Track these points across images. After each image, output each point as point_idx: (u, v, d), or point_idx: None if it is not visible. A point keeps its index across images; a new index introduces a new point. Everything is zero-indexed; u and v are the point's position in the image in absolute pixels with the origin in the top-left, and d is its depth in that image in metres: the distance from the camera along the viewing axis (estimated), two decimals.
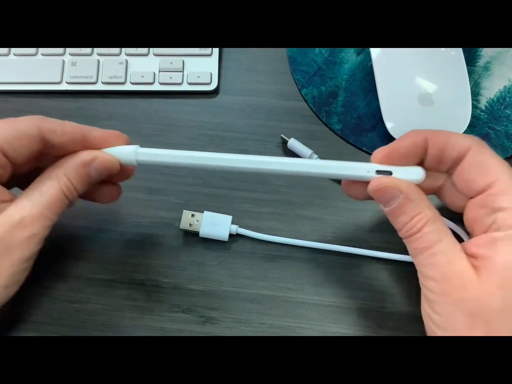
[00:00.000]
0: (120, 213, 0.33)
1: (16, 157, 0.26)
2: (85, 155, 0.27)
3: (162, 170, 0.34)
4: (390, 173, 0.25)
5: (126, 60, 0.37)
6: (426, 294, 0.24)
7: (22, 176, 0.28)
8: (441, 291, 0.23)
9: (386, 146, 0.25)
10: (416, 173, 0.25)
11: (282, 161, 0.25)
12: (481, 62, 0.36)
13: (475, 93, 0.35)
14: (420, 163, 0.26)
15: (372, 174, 0.25)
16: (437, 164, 0.26)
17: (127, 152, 0.27)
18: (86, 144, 0.27)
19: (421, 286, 0.25)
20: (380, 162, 0.25)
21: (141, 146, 0.36)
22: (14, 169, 0.26)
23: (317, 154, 0.34)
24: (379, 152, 0.25)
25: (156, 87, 0.36)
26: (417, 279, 0.32)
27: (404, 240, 0.25)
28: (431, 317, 0.24)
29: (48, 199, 0.26)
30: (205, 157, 0.26)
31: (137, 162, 0.27)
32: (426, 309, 0.25)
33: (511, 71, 0.36)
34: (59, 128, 0.26)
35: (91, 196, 0.29)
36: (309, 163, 0.26)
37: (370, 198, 0.26)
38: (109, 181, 0.29)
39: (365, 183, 0.25)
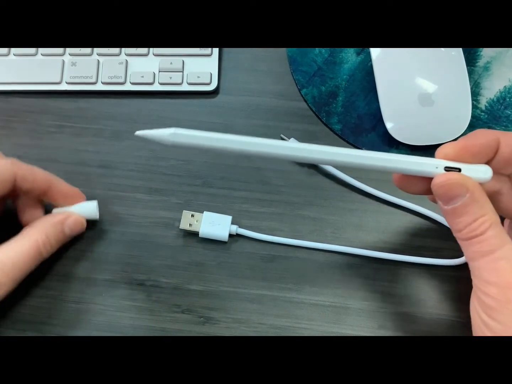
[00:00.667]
0: (120, 213, 0.33)
1: None
2: (60, 215, 0.30)
3: (162, 170, 0.34)
4: (458, 170, 0.24)
5: (126, 60, 0.37)
6: (483, 299, 0.23)
7: None
8: (504, 299, 0.22)
9: (455, 142, 0.24)
10: (484, 172, 0.24)
11: (345, 153, 0.24)
12: (481, 62, 0.36)
13: (475, 93, 0.35)
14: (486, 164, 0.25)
15: (441, 170, 0.24)
16: (504, 166, 0.25)
17: (162, 134, 0.24)
18: (50, 195, 0.30)
19: (477, 290, 0.24)
20: (448, 158, 0.24)
21: (141, 145, 0.37)
22: None
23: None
24: (449, 148, 0.24)
25: (156, 87, 0.36)
26: (416, 279, 0.32)
27: (461, 242, 0.24)
28: (487, 324, 0.23)
29: (24, 254, 0.28)
30: (254, 142, 0.24)
31: (172, 143, 0.24)
32: (481, 315, 0.23)
33: (511, 71, 0.36)
34: (30, 177, 0.29)
35: (21, 211, 0.32)
36: (377, 156, 0.24)
37: (425, 193, 0.25)
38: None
39: (425, 177, 0.24)
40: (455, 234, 0.24)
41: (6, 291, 0.27)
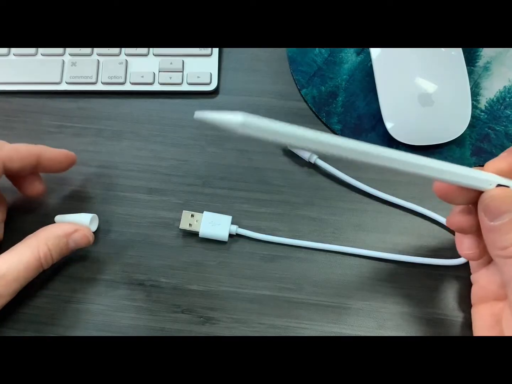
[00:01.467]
0: (120, 213, 0.33)
1: None
2: (67, 227, 0.29)
3: (162, 170, 0.34)
4: (508, 187, 0.24)
5: (126, 60, 0.37)
6: None
7: None
8: None
9: (506, 158, 0.24)
10: None
11: (407, 160, 0.22)
12: (481, 62, 0.36)
13: (475, 93, 0.35)
14: None
15: (493, 187, 0.23)
16: None
17: (230, 122, 0.21)
18: (41, 166, 0.30)
19: None
20: (501, 173, 0.24)
21: (141, 145, 0.36)
22: None
23: (317, 154, 0.34)
24: (500, 163, 0.24)
25: (156, 87, 0.36)
26: (416, 279, 0.32)
27: (504, 260, 0.23)
28: None
29: (25, 266, 0.27)
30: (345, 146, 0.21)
31: (241, 134, 0.21)
32: None
33: (511, 71, 0.36)
34: (16, 155, 0.28)
35: (20, 187, 0.32)
36: (434, 166, 0.23)
37: (466, 203, 0.25)
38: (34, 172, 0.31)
39: (471, 190, 0.24)
40: (497, 253, 0.23)
41: (5, 302, 0.27)
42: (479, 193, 0.24)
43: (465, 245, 0.26)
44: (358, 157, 0.22)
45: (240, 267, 0.32)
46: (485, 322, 0.27)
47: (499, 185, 0.23)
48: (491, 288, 0.28)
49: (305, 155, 0.34)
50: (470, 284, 0.30)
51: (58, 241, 0.29)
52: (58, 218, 0.32)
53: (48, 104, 0.37)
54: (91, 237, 0.30)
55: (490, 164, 0.24)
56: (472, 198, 0.24)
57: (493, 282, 0.27)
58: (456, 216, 0.26)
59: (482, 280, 0.28)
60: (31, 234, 0.29)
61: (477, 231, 0.25)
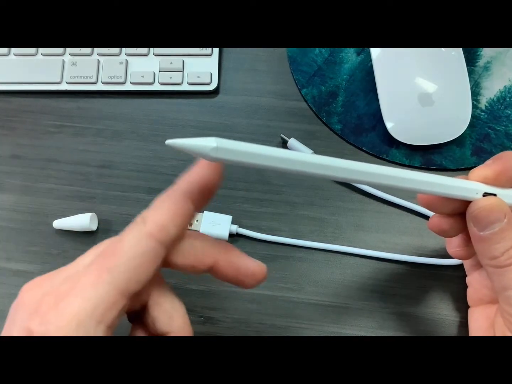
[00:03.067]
0: (120, 213, 0.33)
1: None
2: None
3: (162, 170, 0.34)
4: (494, 195, 0.23)
5: (126, 60, 0.37)
6: None
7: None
8: None
9: (490, 165, 0.24)
10: None
11: (390, 174, 0.22)
12: (481, 62, 0.36)
13: (475, 93, 0.35)
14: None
15: (480, 196, 0.23)
16: None
17: (202, 148, 0.19)
18: (213, 273, 0.23)
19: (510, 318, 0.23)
20: (487, 181, 0.23)
21: (141, 145, 0.36)
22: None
23: (317, 154, 0.34)
24: (485, 170, 0.23)
25: (156, 87, 0.36)
26: (416, 279, 0.32)
27: (495, 270, 0.23)
28: None
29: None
30: (319, 164, 0.20)
31: (214, 159, 0.19)
32: None
33: (511, 71, 0.36)
34: (190, 251, 0.21)
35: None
36: (418, 179, 0.22)
37: (452, 212, 0.24)
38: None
39: (457, 200, 0.23)
40: (488, 262, 0.23)
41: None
42: (465, 202, 0.23)
43: (453, 243, 0.26)
44: (334, 174, 0.21)
45: None
46: (480, 325, 0.27)
47: (485, 194, 0.23)
48: (484, 291, 0.27)
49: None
50: None
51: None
52: (56, 223, 0.32)
53: (48, 104, 0.37)
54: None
55: (475, 171, 0.24)
56: (459, 207, 0.24)
57: (486, 285, 0.27)
58: (436, 219, 0.25)
59: (476, 283, 0.28)
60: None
61: (461, 233, 0.25)
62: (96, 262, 0.19)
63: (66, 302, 0.18)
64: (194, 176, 0.21)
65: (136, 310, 0.22)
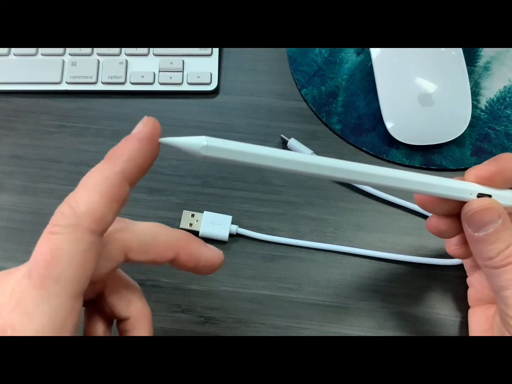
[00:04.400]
0: (120, 213, 0.33)
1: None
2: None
3: (162, 170, 0.34)
4: (489, 196, 0.23)
5: (126, 60, 0.37)
6: None
7: None
8: None
9: (486, 166, 0.24)
10: (510, 199, 0.23)
11: (382, 174, 0.22)
12: (481, 62, 0.36)
13: (475, 93, 0.35)
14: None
15: (474, 196, 0.23)
16: None
17: (193, 146, 0.21)
18: (175, 263, 0.22)
19: (510, 320, 0.23)
20: (481, 181, 0.23)
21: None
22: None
23: (317, 154, 0.34)
24: (480, 171, 0.23)
25: (156, 87, 0.36)
26: (416, 279, 0.32)
27: (491, 271, 0.23)
28: None
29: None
30: (308, 163, 0.20)
31: (204, 158, 0.20)
32: None
33: (511, 71, 0.36)
34: (147, 247, 0.21)
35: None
36: (412, 179, 0.22)
37: (448, 213, 0.24)
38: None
39: (453, 201, 0.23)
40: (484, 263, 0.23)
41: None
42: (460, 202, 0.23)
43: (452, 242, 0.26)
44: (328, 173, 0.21)
45: (240, 267, 0.32)
46: (480, 325, 0.27)
47: (480, 195, 0.23)
48: (485, 292, 0.27)
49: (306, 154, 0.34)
50: None
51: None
52: None
53: (48, 104, 0.37)
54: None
55: (470, 172, 0.24)
56: (454, 208, 0.24)
57: (486, 285, 0.27)
58: (434, 220, 0.25)
59: (477, 284, 0.28)
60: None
61: (459, 234, 0.25)
62: (36, 272, 0.17)
63: (21, 324, 0.17)
64: (130, 153, 0.20)
65: (92, 298, 0.22)
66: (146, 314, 0.23)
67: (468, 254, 0.26)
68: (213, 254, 0.22)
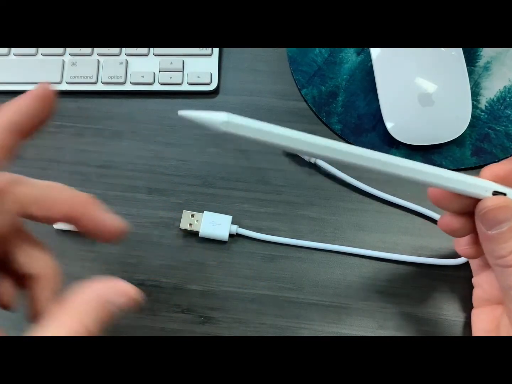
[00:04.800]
0: (120, 213, 0.33)
1: None
2: (100, 285, 0.22)
3: (162, 170, 0.34)
4: (504, 194, 0.23)
5: (126, 60, 0.37)
6: None
7: None
8: None
9: (502, 164, 0.24)
10: None
11: (399, 164, 0.22)
12: (481, 62, 0.36)
13: (475, 93, 0.35)
14: None
15: (489, 194, 0.23)
16: None
17: (213, 121, 0.21)
18: (78, 226, 0.22)
19: None
20: (496, 179, 0.23)
21: (141, 145, 0.36)
22: None
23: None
24: (497, 169, 0.23)
25: (156, 87, 0.36)
26: (416, 279, 0.32)
27: (502, 270, 0.23)
28: None
29: None
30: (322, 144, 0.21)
31: (224, 133, 0.21)
32: None
33: (511, 71, 0.36)
34: (45, 202, 0.21)
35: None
36: (430, 171, 0.22)
37: (461, 210, 0.24)
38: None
39: (465, 196, 0.23)
40: (495, 261, 0.23)
41: None
42: (474, 200, 0.23)
43: (462, 241, 0.26)
44: (344, 158, 0.21)
45: (240, 267, 0.32)
46: (485, 326, 0.27)
47: (495, 192, 0.23)
48: (492, 292, 0.27)
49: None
50: (470, 284, 0.30)
51: (95, 314, 0.21)
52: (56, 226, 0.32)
53: None
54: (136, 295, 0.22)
55: (487, 169, 0.24)
56: (468, 206, 0.23)
57: (494, 286, 0.27)
58: (447, 218, 0.25)
59: (483, 284, 0.28)
60: (57, 306, 0.21)
61: (471, 233, 0.25)
62: None
63: None
64: (19, 106, 0.21)
65: None
66: (54, 272, 0.23)
67: (477, 254, 0.26)
68: (113, 221, 0.23)
